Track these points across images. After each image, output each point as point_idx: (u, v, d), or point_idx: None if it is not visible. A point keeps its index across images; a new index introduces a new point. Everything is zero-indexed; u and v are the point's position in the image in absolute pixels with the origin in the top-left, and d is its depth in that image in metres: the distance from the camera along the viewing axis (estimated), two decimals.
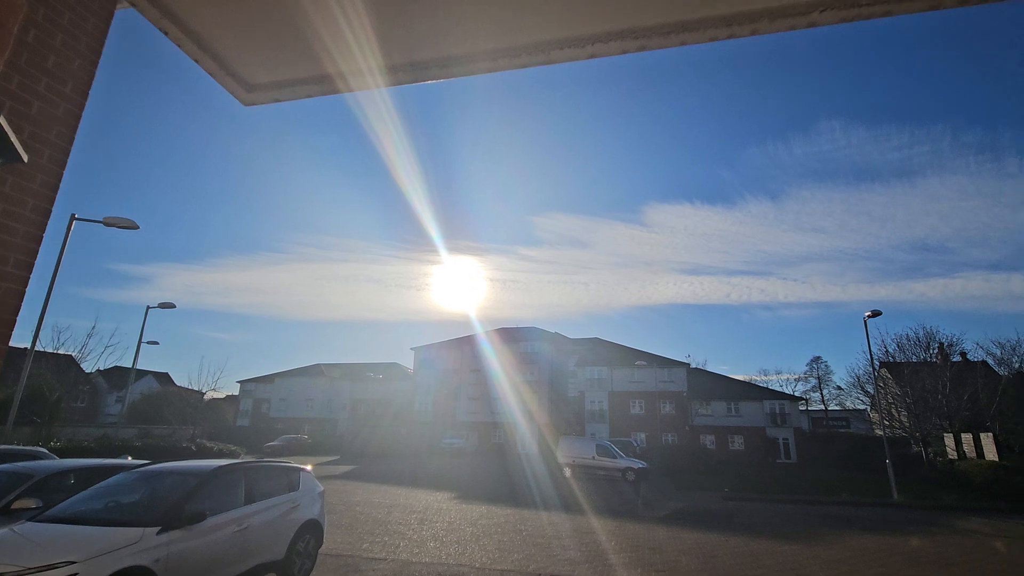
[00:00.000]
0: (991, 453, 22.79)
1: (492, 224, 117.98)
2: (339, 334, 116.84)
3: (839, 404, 55.96)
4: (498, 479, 24.56)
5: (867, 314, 22.91)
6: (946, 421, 26.84)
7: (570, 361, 49.20)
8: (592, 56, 1.18)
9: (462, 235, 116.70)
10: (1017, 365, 28.27)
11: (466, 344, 53.07)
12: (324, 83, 1.41)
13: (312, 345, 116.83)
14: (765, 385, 50.89)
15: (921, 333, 31.99)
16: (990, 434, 23.40)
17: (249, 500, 6.62)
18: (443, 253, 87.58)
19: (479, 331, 53.76)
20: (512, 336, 49.94)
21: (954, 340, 32.32)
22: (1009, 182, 79.76)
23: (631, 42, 1.14)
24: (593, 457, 25.23)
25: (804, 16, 1.06)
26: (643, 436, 43.15)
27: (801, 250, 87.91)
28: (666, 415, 44.68)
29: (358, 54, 1.32)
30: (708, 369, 52.10)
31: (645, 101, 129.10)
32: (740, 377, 52.51)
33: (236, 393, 66.21)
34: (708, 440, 43.82)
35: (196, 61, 1.37)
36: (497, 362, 48.94)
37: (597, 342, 52.06)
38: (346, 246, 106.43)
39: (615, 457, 25.00)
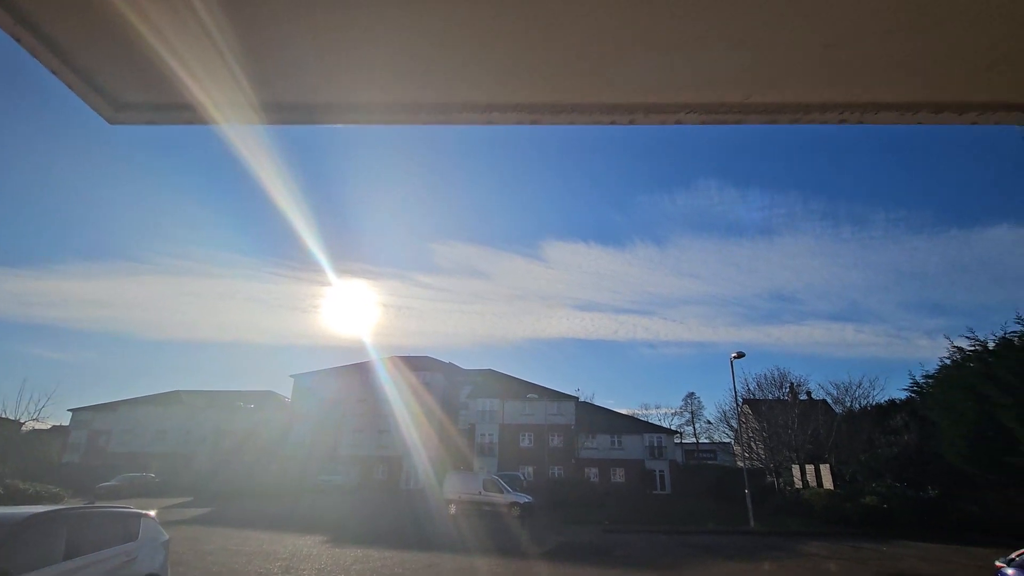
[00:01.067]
0: (828, 482, 25.91)
1: (389, 248, 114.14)
2: (207, 358, 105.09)
3: (708, 437, 60.69)
4: (379, 518, 23.14)
5: (733, 355, 25.37)
6: (794, 453, 30.16)
7: (462, 392, 48.49)
8: (490, 122, 1.26)
9: (355, 257, 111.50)
10: (848, 404, 32.78)
11: (353, 372, 50.23)
12: (200, 111, 1.29)
13: (172, 369, 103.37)
14: (646, 419, 53.90)
15: (776, 373, 36.06)
16: (827, 465, 26.64)
17: (72, 554, 5.50)
18: (331, 275, 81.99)
19: (368, 359, 51.38)
20: (404, 365, 48.19)
21: (802, 380, 36.79)
22: (845, 246, 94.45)
23: (526, 115, 1.24)
24: (480, 492, 24.75)
25: (672, 115, 1.26)
26: (531, 470, 43.31)
27: (681, 293, 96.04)
28: (554, 448, 45.41)
29: (235, 89, 1.24)
30: (595, 403, 54.10)
31: (548, 142, 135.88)
32: (624, 411, 55.20)
33: (66, 423, 56.25)
34: (592, 473, 45.09)
35: (54, 73, 1.19)
36: (386, 392, 46.91)
37: (490, 374, 52.02)
38: (223, 261, 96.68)
39: (502, 492, 24.74)
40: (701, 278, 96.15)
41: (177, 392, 57.47)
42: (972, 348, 19.98)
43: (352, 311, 77.97)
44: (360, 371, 49.81)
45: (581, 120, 1.27)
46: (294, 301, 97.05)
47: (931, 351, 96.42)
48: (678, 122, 1.28)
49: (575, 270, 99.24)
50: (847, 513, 21.70)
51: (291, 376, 52.23)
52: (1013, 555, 7.51)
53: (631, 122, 1.27)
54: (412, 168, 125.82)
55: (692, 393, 76.72)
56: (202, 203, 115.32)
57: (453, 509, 24.54)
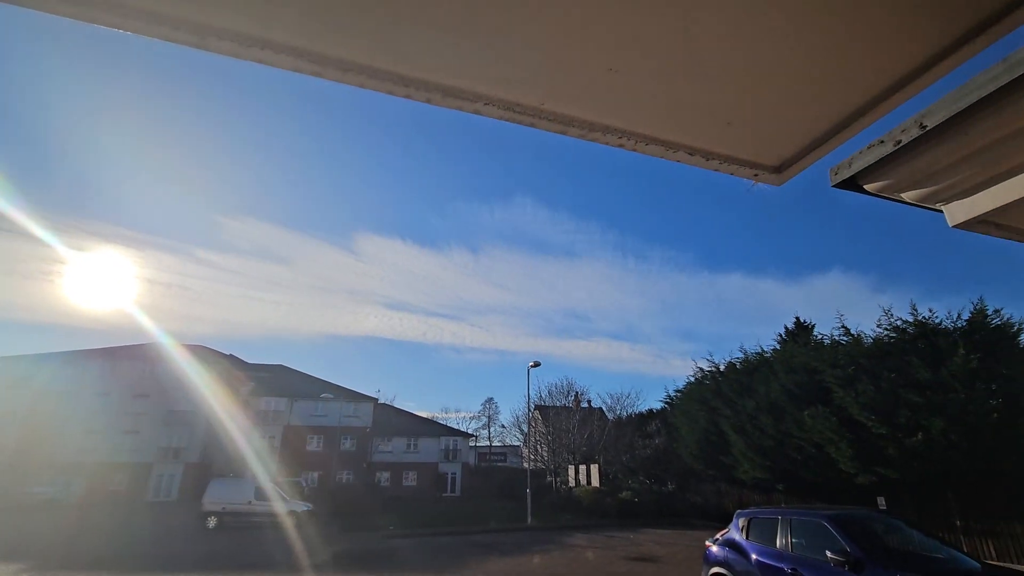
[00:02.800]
0: (596, 480, 29.12)
1: (160, 212, 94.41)
2: None
3: (502, 441, 64.10)
4: (110, 537, 18.84)
5: (531, 364, 27.07)
6: (572, 455, 33.39)
7: (244, 389, 42.77)
8: (261, 61, 1.09)
9: (107, 217, 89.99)
10: (618, 412, 37.65)
11: (92, 359, 40.12)
12: None
13: None
14: (445, 422, 54.53)
15: (565, 383, 39.84)
16: (596, 465, 29.99)
17: None
18: (39, 231, 60.77)
19: (119, 344, 41.97)
20: (167, 354, 40.38)
21: (584, 390, 41.25)
22: (629, 276, 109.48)
23: (306, 64, 1.11)
24: (250, 502, 21.87)
25: (470, 103, 1.26)
26: (316, 475, 40.15)
27: (489, 301, 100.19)
28: (345, 452, 42.94)
29: None
30: (396, 405, 52.93)
31: (370, 130, 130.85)
32: (424, 414, 54.92)
33: None
34: (384, 477, 43.78)
35: None
36: (140, 385, 39.06)
37: (280, 369, 47.01)
38: None
39: (277, 500, 22.25)
40: (509, 289, 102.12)
41: None
42: (709, 369, 24.47)
43: (100, 284, 61.40)
44: (104, 358, 40.16)
45: (372, 85, 1.21)
46: (5, 263, 73.75)
47: (682, 369, 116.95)
48: (476, 112, 1.31)
49: (389, 267, 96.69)
50: (607, 507, 24.62)
51: None
52: (718, 535, 9.02)
53: (428, 101, 1.26)
54: (199, 116, 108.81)
55: (491, 398, 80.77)
56: None
57: (213, 522, 21.23)
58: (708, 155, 1.51)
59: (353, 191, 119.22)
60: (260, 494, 22.28)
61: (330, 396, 40.84)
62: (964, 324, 14.74)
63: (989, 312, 14.67)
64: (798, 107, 1.34)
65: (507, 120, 1.35)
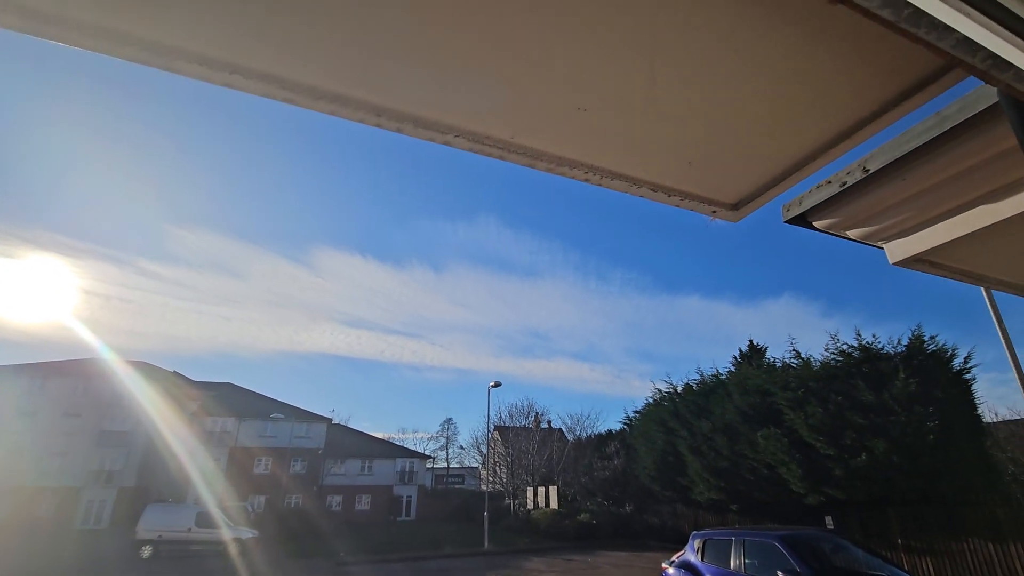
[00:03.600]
0: (554, 502, 28.92)
1: (102, 219, 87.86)
2: None
3: (460, 462, 62.93)
4: (27, 569, 17.32)
5: (491, 384, 26.89)
6: (531, 476, 33.11)
7: (187, 408, 40.44)
8: (230, 86, 1.10)
9: (40, 222, 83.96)
10: (578, 433, 37.68)
11: (17, 375, 36.39)
12: None
13: None
14: (401, 443, 53.24)
15: (525, 403, 39.70)
16: (555, 487, 29.82)
17: None
18: None
19: (47, 359, 38.92)
20: (103, 371, 37.74)
21: (544, 411, 41.19)
22: (591, 296, 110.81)
23: (277, 91, 1.12)
24: (190, 529, 20.57)
25: (441, 134, 1.30)
26: (263, 499, 38.24)
27: (450, 320, 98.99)
28: (295, 475, 41.11)
29: None
30: (350, 425, 51.32)
31: (331, 143, 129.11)
32: (379, 434, 53.43)
33: None
34: (336, 500, 42.12)
35: None
36: (69, 403, 36.32)
37: (228, 388, 44.73)
38: None
39: (219, 527, 21.03)
40: (470, 307, 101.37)
41: None
42: (667, 391, 24.87)
43: (31, 295, 56.65)
44: (32, 374, 37.01)
45: (345, 114, 1.21)
46: None
47: (641, 390, 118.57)
48: (446, 143, 1.33)
49: (347, 283, 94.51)
50: (566, 529, 24.45)
51: None
52: (674, 557, 9.08)
53: (399, 131, 1.28)
54: (146, 118, 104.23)
55: (450, 419, 79.42)
56: None
57: (148, 551, 19.84)
58: (670, 192, 1.59)
59: (311, 204, 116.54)
60: (202, 520, 21.02)
61: (281, 416, 39.29)
62: (904, 349, 15.57)
63: (926, 339, 15.58)
64: (755, 151, 1.43)
65: (477, 152, 1.37)
